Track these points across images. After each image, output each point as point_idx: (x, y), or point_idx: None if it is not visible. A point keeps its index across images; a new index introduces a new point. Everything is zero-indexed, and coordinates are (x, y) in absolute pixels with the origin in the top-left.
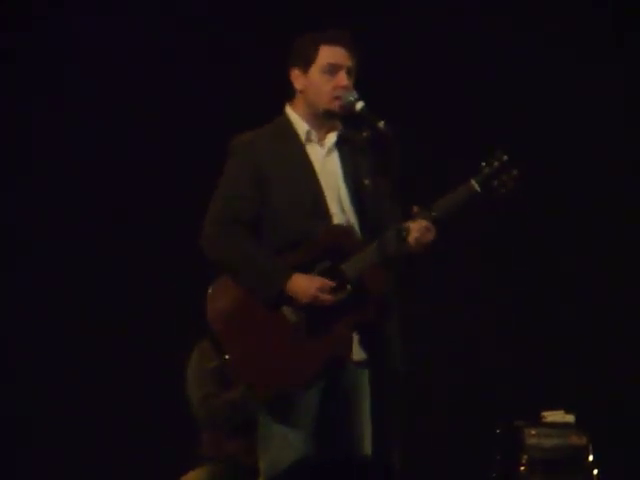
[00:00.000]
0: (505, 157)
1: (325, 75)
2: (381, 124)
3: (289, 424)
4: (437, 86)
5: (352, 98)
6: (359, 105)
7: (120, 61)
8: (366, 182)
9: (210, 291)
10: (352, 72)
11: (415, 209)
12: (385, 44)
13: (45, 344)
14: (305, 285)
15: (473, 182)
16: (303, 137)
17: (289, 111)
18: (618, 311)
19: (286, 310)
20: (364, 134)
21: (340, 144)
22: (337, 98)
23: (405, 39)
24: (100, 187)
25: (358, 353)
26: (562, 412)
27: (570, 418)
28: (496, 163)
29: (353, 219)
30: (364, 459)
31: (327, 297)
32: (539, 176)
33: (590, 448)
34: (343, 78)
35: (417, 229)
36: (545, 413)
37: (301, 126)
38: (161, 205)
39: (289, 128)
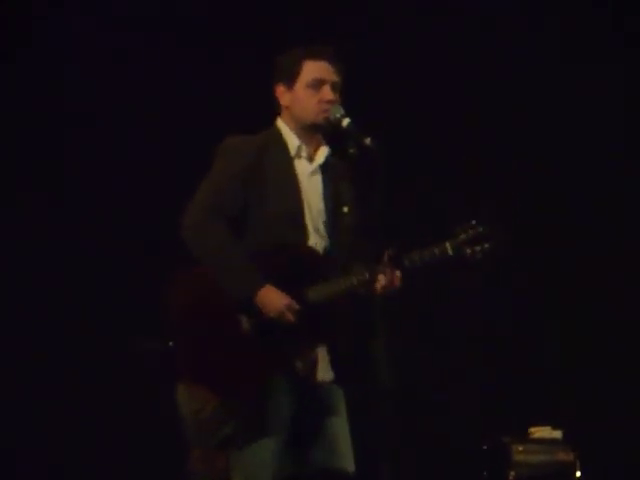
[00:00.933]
0: (481, 229)
1: (310, 90)
2: (367, 140)
3: (262, 442)
4: (434, 90)
5: (339, 115)
6: (345, 122)
7: (120, 61)
8: (345, 209)
9: (172, 285)
10: (337, 87)
11: (387, 255)
12: (380, 51)
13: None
14: (276, 299)
15: (447, 245)
16: (293, 151)
17: (280, 124)
18: (606, 327)
19: (243, 319)
20: (350, 151)
21: (327, 167)
22: (323, 111)
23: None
24: (100, 187)
25: (324, 373)
26: (549, 428)
27: (557, 434)
28: (471, 231)
29: (325, 242)
30: (343, 476)
31: (291, 317)
32: (537, 176)
33: (577, 464)
34: (328, 92)
35: (385, 277)
36: (532, 429)
37: (292, 140)
38: (161, 205)
39: (280, 140)
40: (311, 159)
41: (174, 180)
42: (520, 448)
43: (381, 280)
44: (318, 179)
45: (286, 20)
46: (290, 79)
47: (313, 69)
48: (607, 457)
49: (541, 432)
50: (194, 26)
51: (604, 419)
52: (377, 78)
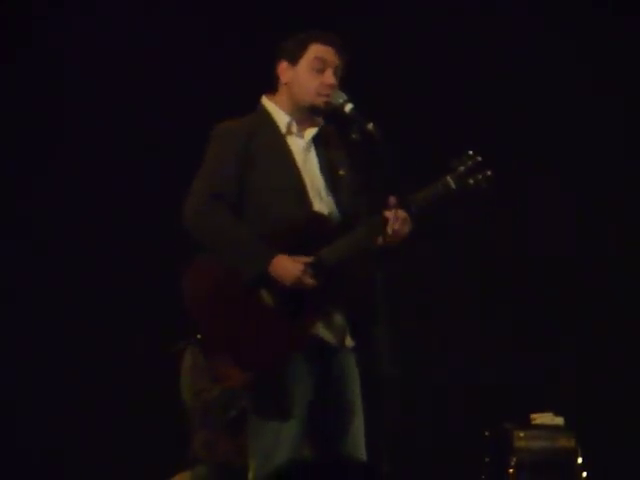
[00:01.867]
0: (479, 157)
1: (313, 71)
2: (370, 126)
3: (282, 417)
4: (432, 87)
5: (341, 100)
6: (348, 107)
7: (120, 61)
8: (341, 172)
9: (187, 271)
10: (338, 73)
11: (392, 200)
12: (383, 44)
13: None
14: (290, 267)
15: (449, 179)
16: (283, 128)
17: (266, 102)
18: (607, 313)
19: (263, 293)
20: (353, 136)
21: (319, 138)
22: (322, 95)
23: (401, 39)
24: (100, 187)
25: (350, 339)
26: (551, 414)
27: (559, 420)
28: (470, 162)
29: (331, 209)
30: (356, 457)
31: (310, 280)
32: (535, 176)
33: (579, 450)
34: (330, 76)
35: (395, 219)
36: (534, 415)
37: (281, 117)
38: (161, 205)
39: (268, 119)
40: (301, 135)
41: (174, 180)
42: (522, 434)
43: (391, 222)
44: (312, 152)
45: (286, 21)
46: (295, 57)
47: (319, 51)
48: (608, 444)
49: (543, 418)
50: (194, 25)
51: (605, 406)
52: (375, 77)
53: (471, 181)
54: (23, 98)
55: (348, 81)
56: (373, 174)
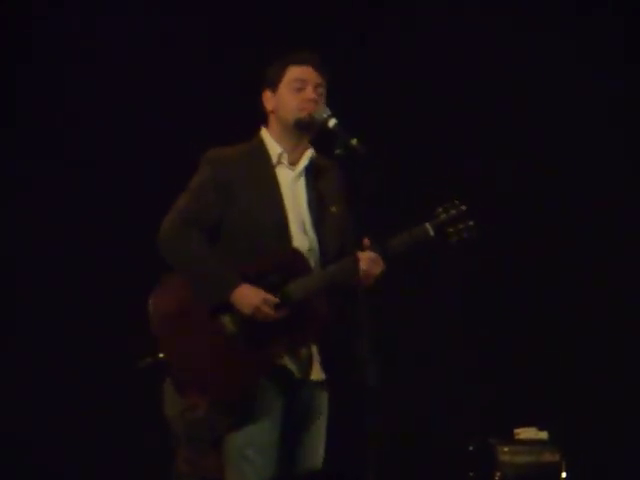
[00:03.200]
0: (463, 207)
1: (293, 91)
2: (354, 141)
3: (253, 443)
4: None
5: (325, 115)
6: (332, 122)
7: (120, 61)
8: (333, 209)
9: (155, 290)
10: (321, 91)
11: (366, 242)
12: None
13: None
14: (251, 295)
15: (428, 226)
16: (274, 159)
17: (264, 134)
18: (592, 327)
19: (225, 320)
20: (337, 151)
21: (311, 168)
22: (304, 109)
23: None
24: (99, 187)
25: (317, 373)
26: (535, 429)
27: (543, 435)
28: (453, 211)
29: (314, 244)
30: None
31: (269, 311)
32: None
33: (563, 465)
34: (310, 92)
35: (366, 261)
36: (518, 430)
37: (274, 148)
38: (161, 206)
39: (262, 149)
40: (294, 164)
41: (175, 180)
42: (506, 449)
43: (362, 263)
44: (302, 184)
45: (285, 21)
46: (274, 83)
47: (296, 72)
48: (593, 458)
49: (527, 433)
50: (194, 26)
51: (590, 420)
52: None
53: (451, 230)
54: (23, 97)
55: (337, 96)
56: (363, 192)
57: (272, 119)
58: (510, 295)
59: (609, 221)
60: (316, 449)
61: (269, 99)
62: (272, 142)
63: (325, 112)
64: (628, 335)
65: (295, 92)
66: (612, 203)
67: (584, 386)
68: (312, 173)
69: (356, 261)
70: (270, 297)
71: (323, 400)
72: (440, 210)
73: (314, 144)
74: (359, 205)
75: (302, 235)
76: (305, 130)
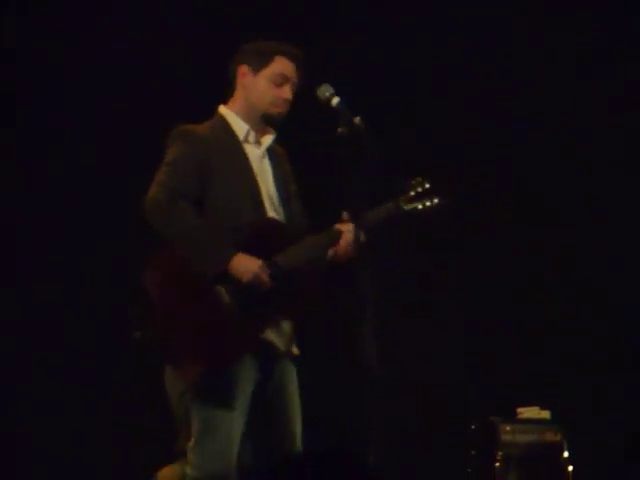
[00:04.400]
0: (428, 185)
1: (272, 84)
2: (357, 120)
3: (226, 417)
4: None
5: (328, 93)
6: (335, 100)
7: (120, 61)
8: (292, 187)
9: (149, 260)
10: (294, 89)
11: (345, 215)
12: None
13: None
14: (249, 263)
15: (400, 201)
16: (242, 136)
17: (225, 111)
18: (593, 307)
19: (221, 290)
20: (340, 129)
21: (272, 151)
22: (276, 107)
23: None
24: (100, 187)
25: (295, 348)
26: (537, 408)
27: (545, 414)
28: (420, 188)
29: (282, 219)
30: (298, 455)
31: (266, 279)
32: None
33: (565, 444)
34: (287, 91)
35: (347, 233)
36: (520, 409)
37: (240, 125)
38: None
39: (226, 126)
40: (258, 143)
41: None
42: (508, 428)
43: (344, 238)
44: (267, 162)
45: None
46: (258, 65)
47: (283, 65)
48: (595, 438)
49: (529, 412)
50: (195, 26)
51: (592, 400)
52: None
53: (420, 207)
54: (23, 98)
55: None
56: (367, 171)
57: (240, 94)
58: (512, 274)
59: (608, 209)
60: (294, 429)
61: (245, 75)
62: (237, 119)
63: (328, 90)
64: (629, 315)
65: (274, 86)
66: (611, 198)
67: (586, 365)
68: (272, 154)
69: (339, 234)
70: (265, 265)
71: (295, 376)
72: (408, 186)
73: (318, 122)
74: (362, 183)
75: (273, 212)
76: (269, 124)
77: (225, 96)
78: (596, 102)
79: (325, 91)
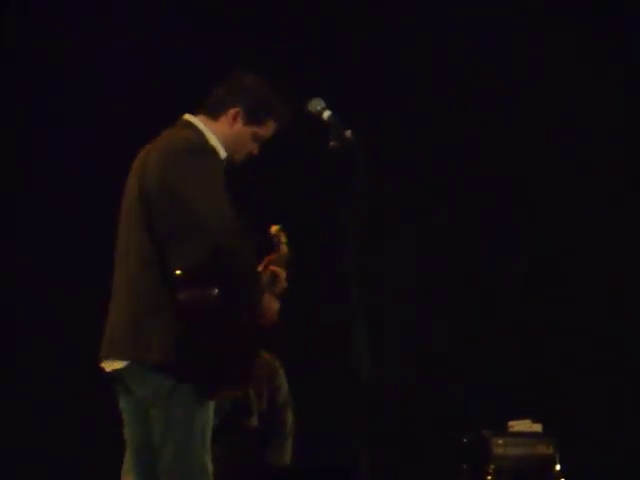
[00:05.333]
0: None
1: (252, 140)
2: (348, 133)
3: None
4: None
5: (319, 107)
6: (326, 114)
7: (120, 62)
8: None
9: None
10: None
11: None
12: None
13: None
14: (273, 300)
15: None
16: (223, 160)
17: (202, 126)
18: (585, 320)
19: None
20: (331, 143)
21: None
22: (243, 158)
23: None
24: (99, 187)
25: None
26: (529, 421)
27: (537, 427)
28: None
29: None
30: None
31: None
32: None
33: (557, 457)
34: (257, 149)
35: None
36: (512, 422)
37: (220, 149)
38: None
39: (209, 144)
40: None
41: None
42: (500, 441)
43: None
44: None
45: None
46: (251, 119)
47: (270, 130)
48: (587, 450)
49: (521, 425)
50: (195, 27)
51: (584, 412)
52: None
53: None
54: (23, 98)
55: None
56: (357, 184)
57: (224, 126)
58: (505, 288)
59: (608, 210)
60: None
61: (236, 119)
62: (217, 143)
63: (319, 104)
64: (623, 327)
65: (252, 142)
66: (611, 197)
67: (578, 378)
68: None
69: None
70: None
71: None
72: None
73: (309, 135)
74: (353, 197)
75: None
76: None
77: None
78: (596, 102)
79: (316, 105)
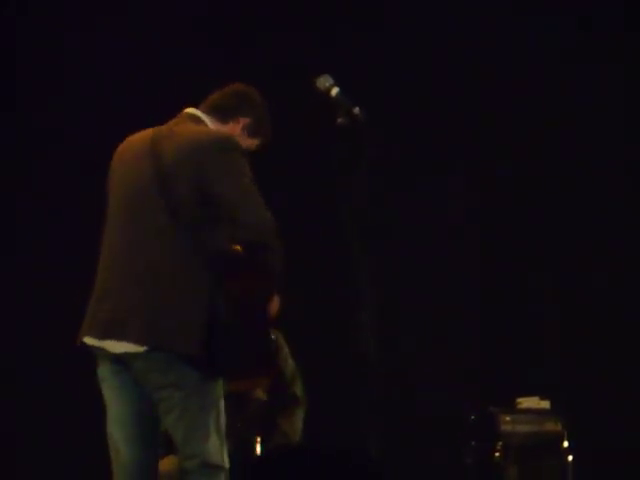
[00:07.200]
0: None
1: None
2: (356, 110)
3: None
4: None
5: (327, 84)
6: (334, 91)
7: (120, 62)
8: None
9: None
10: None
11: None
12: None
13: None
14: (275, 302)
15: None
16: None
17: (211, 126)
18: (592, 296)
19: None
20: (339, 120)
21: None
22: None
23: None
24: (99, 187)
25: None
26: (537, 398)
27: (545, 404)
28: None
29: None
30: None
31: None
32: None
33: (565, 434)
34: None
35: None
36: (520, 399)
37: None
38: None
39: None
40: None
41: None
42: (508, 418)
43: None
44: None
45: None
46: (253, 132)
47: (254, 145)
48: (595, 427)
49: (529, 402)
50: (195, 27)
51: (592, 389)
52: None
53: None
54: (23, 98)
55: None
56: (364, 161)
57: (232, 132)
58: (513, 265)
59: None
60: None
61: (244, 128)
62: None
63: (327, 81)
64: (634, 304)
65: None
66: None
67: (586, 355)
68: None
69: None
70: None
71: None
72: None
73: (317, 113)
74: (361, 173)
75: None
76: None
77: None
78: (596, 101)
79: (325, 82)
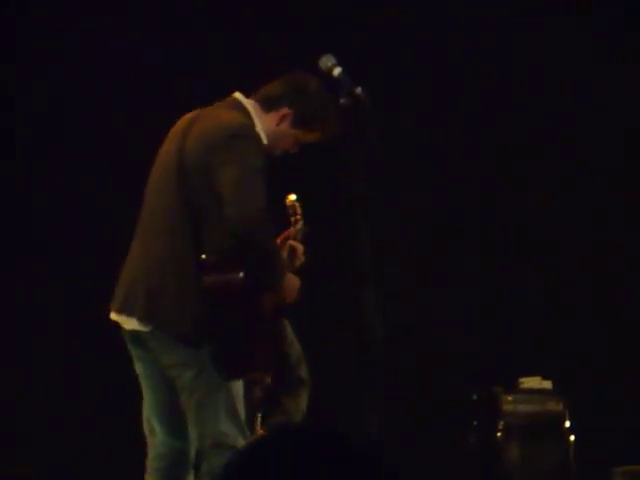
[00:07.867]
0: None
1: (295, 143)
2: (358, 90)
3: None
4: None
5: (330, 63)
6: (337, 70)
7: (120, 62)
8: None
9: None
10: None
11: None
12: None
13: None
14: (294, 280)
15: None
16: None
17: (253, 113)
18: (595, 277)
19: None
20: (342, 100)
21: None
22: (278, 153)
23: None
24: (100, 188)
25: None
26: (539, 378)
27: (547, 384)
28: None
29: None
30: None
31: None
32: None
33: (567, 414)
34: (295, 149)
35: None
36: (522, 379)
37: (264, 139)
38: None
39: (258, 135)
40: None
41: None
42: (510, 398)
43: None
44: None
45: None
46: (300, 123)
47: (313, 139)
48: (596, 407)
49: (531, 382)
50: (196, 27)
51: (594, 369)
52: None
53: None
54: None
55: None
56: (368, 141)
57: (272, 121)
58: (514, 245)
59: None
60: None
61: (285, 119)
62: (261, 130)
63: (330, 60)
64: (632, 284)
65: (293, 143)
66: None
67: (588, 335)
68: None
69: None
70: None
71: None
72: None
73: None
74: (364, 154)
75: None
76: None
77: (240, 87)
78: (596, 101)
79: (327, 61)
